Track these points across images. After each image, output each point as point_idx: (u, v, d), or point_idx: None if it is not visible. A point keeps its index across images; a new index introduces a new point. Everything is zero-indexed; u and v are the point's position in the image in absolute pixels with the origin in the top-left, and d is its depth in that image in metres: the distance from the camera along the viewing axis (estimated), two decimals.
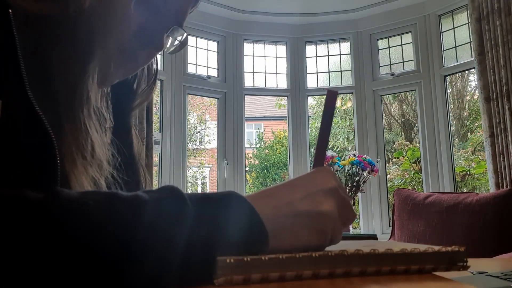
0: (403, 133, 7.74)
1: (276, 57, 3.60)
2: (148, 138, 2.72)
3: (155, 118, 3.02)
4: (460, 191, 3.44)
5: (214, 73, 3.42)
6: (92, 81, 0.44)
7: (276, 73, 3.59)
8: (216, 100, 3.47)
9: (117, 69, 0.50)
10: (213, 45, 3.45)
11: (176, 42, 0.58)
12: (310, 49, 3.60)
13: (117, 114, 0.57)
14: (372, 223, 3.22)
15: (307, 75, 3.56)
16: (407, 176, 5.90)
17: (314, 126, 8.95)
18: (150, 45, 0.51)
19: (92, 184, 0.44)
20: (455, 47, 3.12)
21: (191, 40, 3.36)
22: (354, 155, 2.82)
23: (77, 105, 0.43)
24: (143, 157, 0.62)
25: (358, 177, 2.79)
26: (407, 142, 6.69)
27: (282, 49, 3.60)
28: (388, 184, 3.68)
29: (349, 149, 7.89)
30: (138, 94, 0.60)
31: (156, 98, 3.24)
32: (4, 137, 0.36)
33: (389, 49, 3.42)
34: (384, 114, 4.11)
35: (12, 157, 0.36)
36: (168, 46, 0.56)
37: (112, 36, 0.46)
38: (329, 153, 2.84)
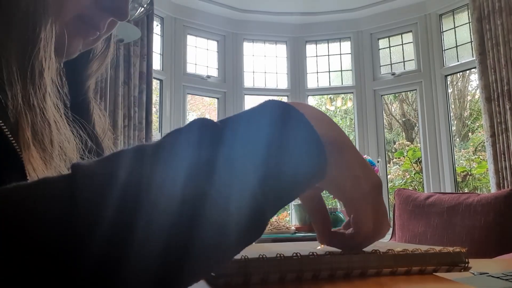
0: (403, 133, 7.74)
1: (276, 56, 3.60)
2: (147, 138, 2.72)
3: (154, 118, 3.02)
4: (461, 192, 3.44)
5: (214, 72, 3.42)
6: (44, 54, 0.39)
7: (276, 73, 3.59)
8: (216, 100, 3.46)
9: (77, 39, 0.46)
10: (213, 45, 3.45)
11: (141, 9, 0.54)
12: (310, 49, 3.60)
13: (72, 86, 0.51)
14: None
15: (307, 74, 3.56)
16: (408, 176, 5.89)
17: None
18: (113, 13, 0.46)
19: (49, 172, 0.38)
20: (456, 46, 3.12)
21: (191, 39, 3.36)
22: None
23: (28, 83, 0.37)
24: (110, 135, 0.56)
25: None
26: (408, 142, 6.69)
27: (282, 49, 3.60)
28: (389, 184, 3.68)
29: None
30: (93, 60, 0.53)
31: (155, 97, 3.24)
32: None
33: (389, 49, 3.41)
34: (384, 114, 4.11)
35: None
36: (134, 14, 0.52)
37: (67, 2, 0.42)
38: None
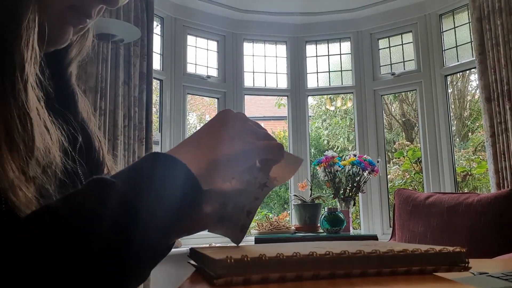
0: (403, 133, 7.74)
1: (276, 56, 3.60)
2: (147, 138, 2.72)
3: (155, 118, 3.02)
4: (461, 191, 3.44)
5: (214, 72, 3.42)
6: (27, 44, 0.38)
7: (276, 73, 3.59)
8: (216, 100, 3.46)
9: (68, 28, 0.46)
10: (213, 45, 3.45)
11: None
12: (310, 49, 3.60)
13: (54, 75, 0.50)
14: (373, 224, 3.21)
15: (307, 75, 3.56)
16: (408, 176, 5.89)
17: (314, 126, 8.95)
18: (104, 0, 0.47)
19: (33, 185, 0.36)
20: (456, 46, 3.12)
21: (191, 39, 3.36)
22: (355, 155, 2.81)
23: (7, 74, 0.36)
24: (94, 122, 0.55)
25: (358, 177, 2.78)
26: (408, 142, 6.68)
27: (282, 49, 3.60)
28: (389, 184, 3.68)
29: (350, 149, 7.89)
30: (71, 45, 0.53)
31: (155, 97, 3.24)
32: None
33: (389, 49, 3.41)
34: (384, 114, 4.11)
35: None
36: None
37: None
38: (330, 153, 2.84)
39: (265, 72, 3.59)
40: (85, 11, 0.46)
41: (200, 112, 11.51)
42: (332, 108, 8.82)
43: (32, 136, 0.37)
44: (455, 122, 6.93)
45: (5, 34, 0.38)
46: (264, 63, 3.59)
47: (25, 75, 0.38)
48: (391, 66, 3.38)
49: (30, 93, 0.38)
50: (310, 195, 2.87)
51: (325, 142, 8.85)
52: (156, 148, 2.99)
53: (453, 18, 3.15)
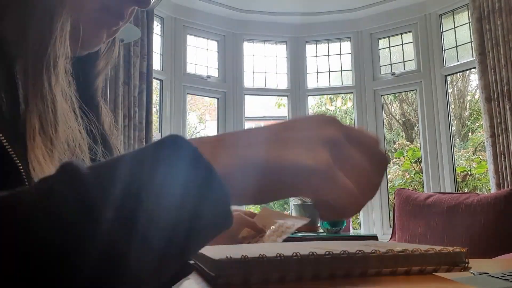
0: (403, 133, 7.74)
1: (276, 56, 3.60)
2: (147, 138, 2.72)
3: (155, 118, 3.02)
4: (461, 192, 3.44)
5: (214, 73, 3.42)
6: (60, 45, 0.39)
7: (276, 73, 3.59)
8: (216, 100, 3.46)
9: (102, 30, 0.46)
10: (213, 45, 3.45)
11: None
12: (310, 49, 3.60)
13: (81, 87, 0.50)
14: (373, 224, 3.21)
15: (307, 75, 3.56)
16: (408, 176, 5.89)
17: None
18: (136, 1, 0.47)
19: (54, 163, 0.37)
20: (456, 46, 3.12)
21: (191, 39, 3.36)
22: None
23: (43, 72, 0.37)
24: (116, 134, 0.56)
25: None
26: (408, 142, 6.68)
27: (282, 49, 3.60)
28: (389, 185, 3.68)
29: None
30: (99, 59, 0.53)
31: (155, 98, 3.24)
32: None
33: (389, 49, 3.41)
34: (384, 114, 4.11)
35: None
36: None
37: None
38: None
39: (265, 72, 3.59)
40: (118, 12, 0.47)
41: (200, 112, 11.53)
42: (332, 108, 8.82)
43: (57, 130, 0.38)
44: (455, 122, 6.93)
45: (43, 34, 0.38)
46: (264, 63, 3.59)
47: (56, 74, 0.39)
48: (391, 66, 3.38)
49: (59, 92, 0.39)
50: None
51: None
52: None
53: (453, 18, 3.15)
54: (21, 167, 0.34)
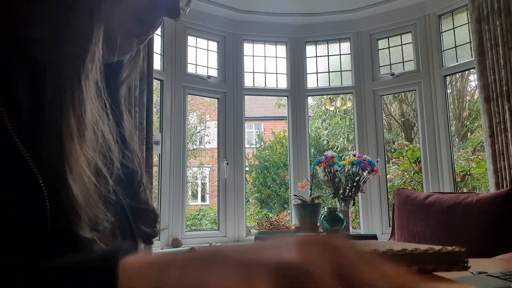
0: (403, 133, 7.74)
1: (276, 57, 3.60)
2: (148, 138, 2.72)
3: (155, 118, 3.02)
4: (460, 191, 3.44)
5: (214, 73, 3.42)
6: (96, 51, 0.40)
7: (276, 73, 3.60)
8: (216, 100, 3.47)
9: (133, 39, 0.48)
10: (213, 45, 3.45)
11: (187, 8, 0.53)
12: (310, 49, 3.60)
13: (107, 91, 0.52)
14: (372, 223, 3.22)
15: (307, 75, 3.56)
16: (407, 176, 5.90)
17: (314, 126, 8.95)
18: (167, 12, 0.48)
19: (90, 166, 0.38)
20: (455, 47, 3.12)
21: (191, 40, 3.36)
22: (354, 155, 2.82)
23: (81, 78, 0.39)
24: (136, 141, 0.58)
25: (358, 177, 2.79)
26: (407, 142, 6.69)
27: (282, 49, 3.60)
28: (388, 184, 3.69)
29: (349, 149, 7.90)
30: (123, 67, 0.54)
31: (156, 98, 3.24)
32: None
33: (389, 49, 3.42)
34: (384, 114, 4.11)
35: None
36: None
37: (126, 2, 0.44)
38: (329, 153, 2.84)
39: (265, 73, 3.59)
40: (150, 21, 0.47)
41: (200, 112, 11.52)
42: (332, 108, 8.83)
43: (94, 132, 0.40)
44: (454, 122, 6.94)
45: (79, 38, 0.39)
46: (264, 63, 3.59)
47: (90, 80, 0.39)
48: (390, 66, 3.38)
49: (93, 97, 0.40)
50: (310, 195, 2.88)
51: (325, 142, 8.85)
52: (156, 148, 2.99)
53: (452, 18, 3.15)
54: (38, 175, 0.34)
